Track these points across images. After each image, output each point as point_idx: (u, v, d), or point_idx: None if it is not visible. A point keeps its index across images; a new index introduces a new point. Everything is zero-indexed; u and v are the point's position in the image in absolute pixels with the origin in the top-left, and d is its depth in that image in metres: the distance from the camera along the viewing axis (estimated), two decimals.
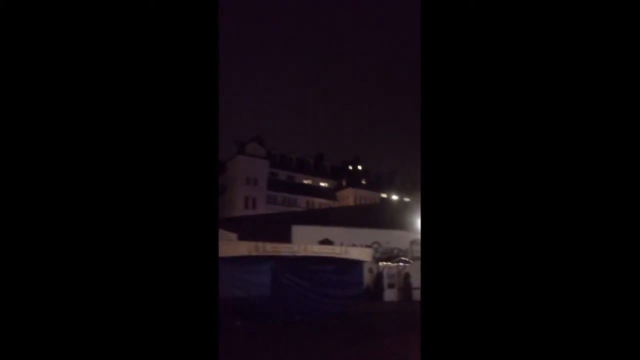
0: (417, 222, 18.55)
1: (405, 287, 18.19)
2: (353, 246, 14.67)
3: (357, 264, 12.65)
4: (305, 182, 44.48)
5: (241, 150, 37.23)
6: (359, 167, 48.23)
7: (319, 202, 42.85)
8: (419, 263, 19.34)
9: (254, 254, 10.14)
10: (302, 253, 11.25)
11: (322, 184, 45.60)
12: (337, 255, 12.06)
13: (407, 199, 39.95)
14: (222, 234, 9.93)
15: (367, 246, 16.66)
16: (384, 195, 45.81)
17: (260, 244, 10.39)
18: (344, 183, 45.33)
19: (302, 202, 41.60)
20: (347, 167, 47.80)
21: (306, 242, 12.82)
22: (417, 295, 18.48)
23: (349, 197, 43.47)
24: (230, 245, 9.78)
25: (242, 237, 10.21)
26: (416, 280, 19.00)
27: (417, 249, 20.36)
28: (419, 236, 19.84)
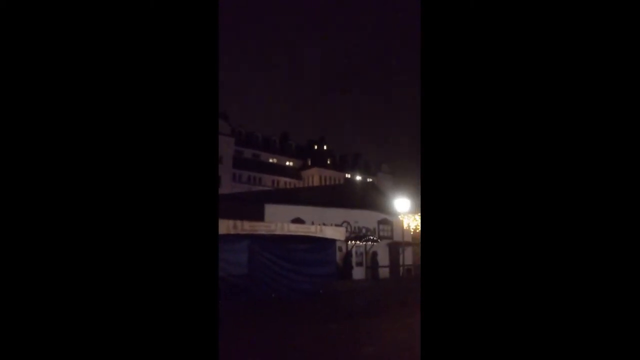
0: (383, 202, 18.98)
1: (372, 265, 18.74)
2: (324, 225, 14.83)
3: (331, 242, 12.82)
4: (271, 160, 44.07)
5: None
6: (324, 147, 48.36)
7: (285, 180, 42.73)
8: (385, 242, 20.04)
9: (232, 232, 10.01)
10: (279, 232, 11.23)
11: (287, 163, 45.38)
12: (313, 234, 12.14)
13: (370, 179, 40.75)
14: None
15: (338, 225, 16.90)
16: (347, 176, 46.42)
17: (238, 222, 10.27)
18: (309, 162, 45.38)
19: (268, 180, 41.28)
20: (313, 147, 47.78)
21: (279, 220, 12.80)
22: (383, 273, 19.16)
23: (314, 176, 43.68)
24: None
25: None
26: (382, 258, 19.66)
27: (384, 228, 20.99)
28: (385, 216, 20.43)
